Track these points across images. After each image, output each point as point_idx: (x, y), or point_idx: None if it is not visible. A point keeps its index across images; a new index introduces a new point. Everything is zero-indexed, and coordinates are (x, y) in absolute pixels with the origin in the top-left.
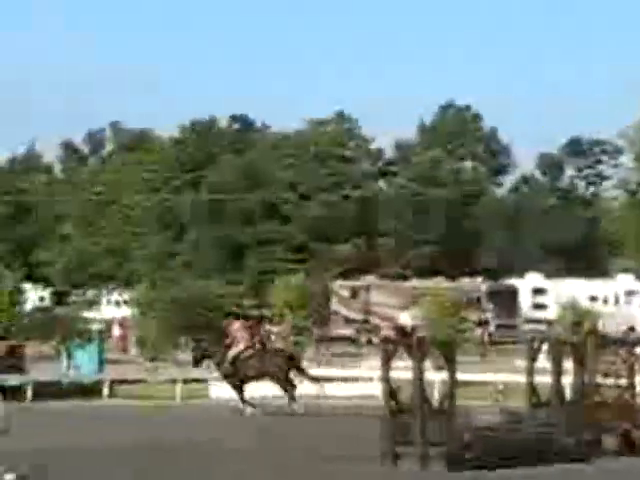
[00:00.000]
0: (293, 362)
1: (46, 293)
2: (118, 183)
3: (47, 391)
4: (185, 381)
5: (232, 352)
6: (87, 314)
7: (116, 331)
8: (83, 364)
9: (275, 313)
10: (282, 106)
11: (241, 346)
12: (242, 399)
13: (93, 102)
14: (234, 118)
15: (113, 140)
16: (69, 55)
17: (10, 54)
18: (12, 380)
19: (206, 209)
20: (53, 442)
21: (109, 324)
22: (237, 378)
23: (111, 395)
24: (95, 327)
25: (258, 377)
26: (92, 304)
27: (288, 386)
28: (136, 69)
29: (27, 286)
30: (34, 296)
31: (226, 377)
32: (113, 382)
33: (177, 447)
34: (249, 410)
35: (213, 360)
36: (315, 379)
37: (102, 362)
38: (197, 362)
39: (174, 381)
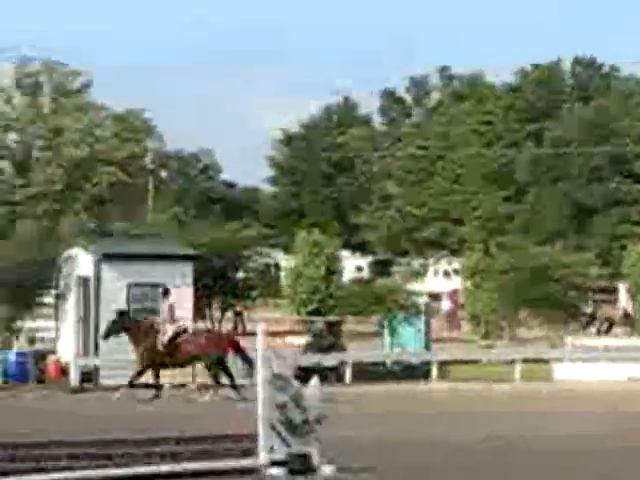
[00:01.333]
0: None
1: (364, 262)
2: (447, 137)
3: (368, 372)
4: (525, 361)
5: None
6: (412, 286)
7: (445, 305)
8: (408, 342)
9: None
10: (635, 47)
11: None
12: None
13: (416, 44)
14: (578, 61)
15: (441, 88)
16: None
17: None
18: (330, 360)
19: (548, 166)
20: (377, 432)
21: (437, 297)
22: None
23: (440, 377)
24: (422, 301)
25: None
26: (417, 275)
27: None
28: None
29: (344, 254)
30: (351, 265)
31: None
32: (443, 363)
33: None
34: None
35: None
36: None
37: (430, 340)
38: None
39: (512, 361)
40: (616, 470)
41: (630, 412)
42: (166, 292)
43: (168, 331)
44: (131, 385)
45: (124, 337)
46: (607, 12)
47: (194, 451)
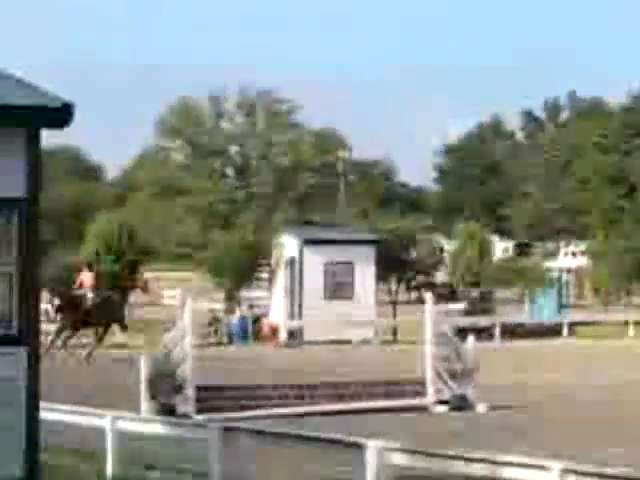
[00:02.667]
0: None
1: (510, 245)
2: (573, 147)
3: (512, 331)
4: (637, 323)
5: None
6: (546, 264)
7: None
8: (544, 308)
9: None
10: None
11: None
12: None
13: (550, 72)
14: None
15: (569, 108)
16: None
17: None
18: (482, 321)
19: None
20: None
21: (567, 272)
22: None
23: (570, 335)
24: (554, 275)
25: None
26: (550, 255)
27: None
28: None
29: (494, 238)
30: (500, 247)
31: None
32: (571, 324)
33: None
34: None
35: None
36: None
37: (561, 306)
38: None
39: (626, 322)
40: None
41: None
42: (89, 267)
43: (89, 300)
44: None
45: (323, 304)
46: None
47: (376, 392)
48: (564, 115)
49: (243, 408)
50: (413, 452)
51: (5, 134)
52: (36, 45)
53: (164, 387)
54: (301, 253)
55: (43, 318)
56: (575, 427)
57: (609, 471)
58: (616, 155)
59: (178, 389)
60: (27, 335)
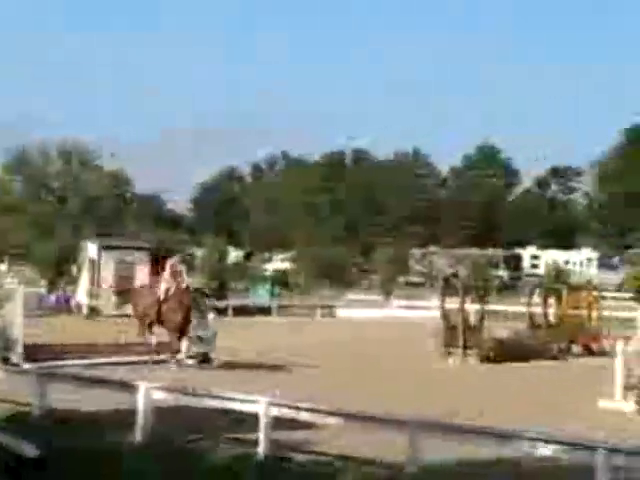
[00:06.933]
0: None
1: (240, 253)
2: (283, 187)
3: (240, 310)
4: (322, 306)
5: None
6: (264, 266)
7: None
8: (262, 295)
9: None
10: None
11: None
12: None
13: (270, 135)
14: (355, 151)
15: (282, 162)
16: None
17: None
18: (220, 304)
19: (342, 204)
20: (243, 341)
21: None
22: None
23: (278, 314)
24: (268, 274)
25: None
26: (267, 260)
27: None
28: (309, 103)
29: (230, 248)
30: (233, 254)
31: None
32: (279, 306)
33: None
34: None
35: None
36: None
37: (272, 294)
38: None
39: (315, 306)
40: None
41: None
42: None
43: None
44: None
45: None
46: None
47: (148, 349)
48: (279, 166)
49: (55, 359)
50: (170, 390)
51: None
52: None
53: (1, 344)
54: (99, 255)
55: None
56: (276, 374)
57: (301, 405)
58: (313, 194)
59: (11, 346)
60: None
